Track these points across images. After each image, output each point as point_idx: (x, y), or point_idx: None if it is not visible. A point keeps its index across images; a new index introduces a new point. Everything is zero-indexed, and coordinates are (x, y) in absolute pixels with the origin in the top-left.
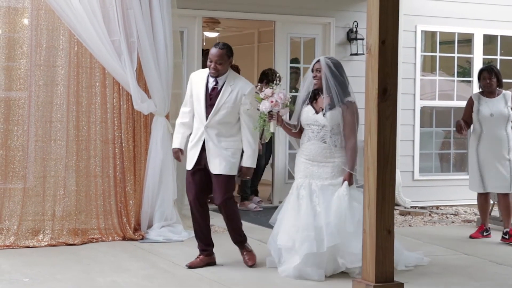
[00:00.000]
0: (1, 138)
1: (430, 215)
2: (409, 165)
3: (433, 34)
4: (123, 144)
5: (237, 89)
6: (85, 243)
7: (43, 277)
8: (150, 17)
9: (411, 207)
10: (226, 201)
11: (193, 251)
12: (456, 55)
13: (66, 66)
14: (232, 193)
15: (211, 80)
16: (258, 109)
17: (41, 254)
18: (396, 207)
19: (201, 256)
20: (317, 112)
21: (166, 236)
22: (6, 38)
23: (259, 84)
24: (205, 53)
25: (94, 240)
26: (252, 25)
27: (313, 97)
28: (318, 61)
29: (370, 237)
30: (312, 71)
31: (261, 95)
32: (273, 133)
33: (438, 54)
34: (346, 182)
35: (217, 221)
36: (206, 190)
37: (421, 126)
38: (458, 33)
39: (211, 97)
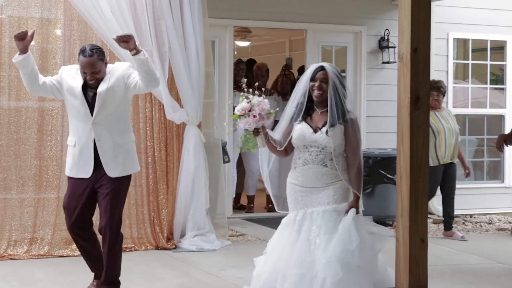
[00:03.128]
0: (35, 148)
1: (463, 223)
2: None
3: (465, 41)
4: (156, 154)
5: (116, 75)
6: None
7: (76, 286)
8: (182, 27)
9: None
10: (118, 218)
11: (226, 260)
12: (488, 62)
13: None
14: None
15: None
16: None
17: (75, 263)
18: (429, 216)
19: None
20: (315, 131)
21: (198, 245)
22: (40, 49)
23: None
24: (236, 62)
25: (127, 249)
26: (283, 34)
27: (306, 112)
28: (323, 68)
29: (403, 246)
30: (313, 80)
31: (237, 112)
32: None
33: (470, 61)
34: (353, 210)
35: (249, 230)
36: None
37: None
38: (491, 40)
39: (93, 103)
